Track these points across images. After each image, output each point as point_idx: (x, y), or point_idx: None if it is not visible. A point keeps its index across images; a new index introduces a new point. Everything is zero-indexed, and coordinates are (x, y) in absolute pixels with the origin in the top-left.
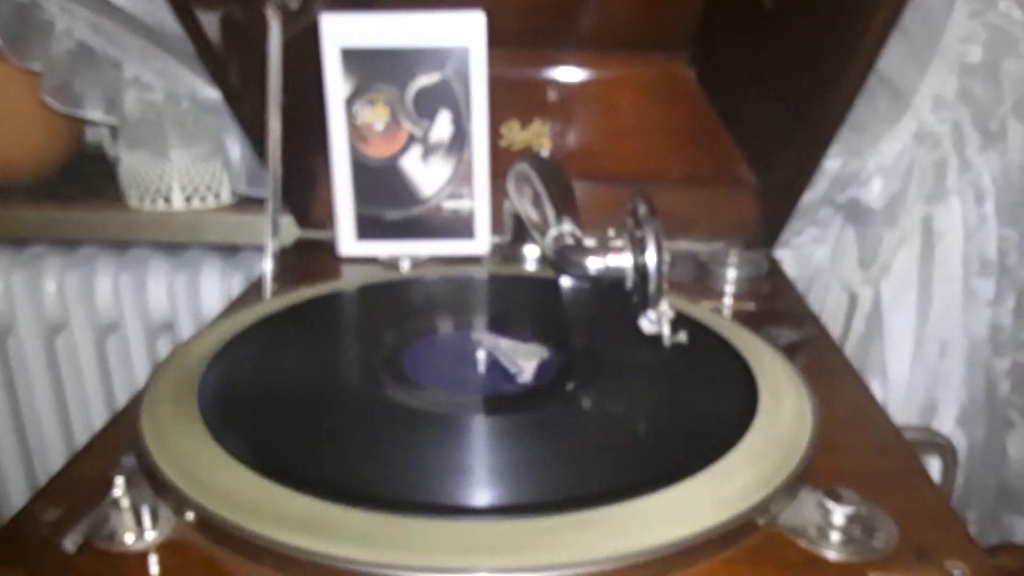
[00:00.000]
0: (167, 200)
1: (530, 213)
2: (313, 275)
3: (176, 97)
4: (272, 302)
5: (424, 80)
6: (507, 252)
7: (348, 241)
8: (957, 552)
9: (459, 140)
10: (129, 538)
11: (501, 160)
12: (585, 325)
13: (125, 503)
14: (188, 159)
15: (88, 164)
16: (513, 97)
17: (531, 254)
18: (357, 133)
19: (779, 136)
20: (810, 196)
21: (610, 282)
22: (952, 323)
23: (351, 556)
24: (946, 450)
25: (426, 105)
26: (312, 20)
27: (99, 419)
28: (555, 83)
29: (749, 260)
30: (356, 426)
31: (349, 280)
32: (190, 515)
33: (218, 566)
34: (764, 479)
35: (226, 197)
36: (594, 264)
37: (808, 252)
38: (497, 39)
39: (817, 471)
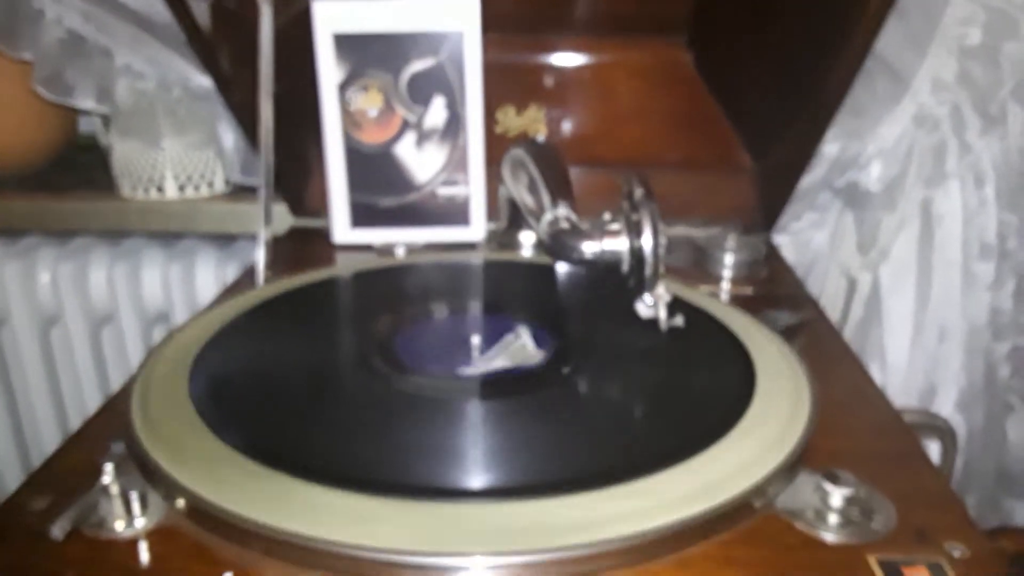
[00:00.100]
0: (160, 189)
1: (525, 199)
2: (308, 263)
3: (168, 85)
4: (265, 289)
5: (418, 65)
6: (503, 239)
7: (342, 229)
8: (957, 534)
9: (454, 126)
10: (118, 525)
11: (497, 146)
12: (582, 310)
13: (114, 490)
14: (181, 147)
15: (81, 154)
16: (509, 82)
17: (527, 240)
18: (351, 120)
19: (777, 120)
20: (809, 180)
21: (606, 266)
22: (952, 307)
23: (342, 540)
24: (945, 433)
25: (420, 90)
26: (304, 5)
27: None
28: (551, 68)
29: (747, 244)
30: (347, 411)
31: (343, 267)
32: (180, 502)
33: (208, 552)
34: (761, 462)
35: (220, 186)
36: (589, 248)
37: (807, 237)
38: (492, 23)
39: (815, 454)
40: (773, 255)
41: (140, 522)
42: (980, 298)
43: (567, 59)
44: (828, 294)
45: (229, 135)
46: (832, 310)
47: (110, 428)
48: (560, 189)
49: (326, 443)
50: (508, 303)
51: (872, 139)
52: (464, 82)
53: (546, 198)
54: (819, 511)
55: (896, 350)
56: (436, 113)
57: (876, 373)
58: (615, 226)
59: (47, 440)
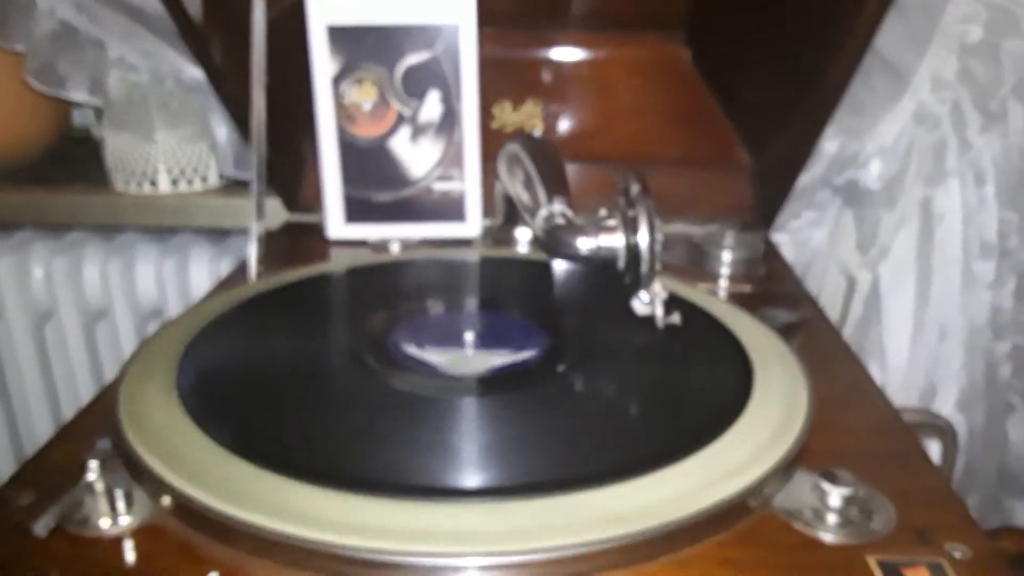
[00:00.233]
0: (153, 183)
1: (521, 195)
2: (301, 258)
3: (160, 77)
4: (256, 284)
5: (413, 58)
6: (499, 235)
7: (336, 224)
8: (957, 534)
9: (449, 120)
10: (103, 523)
11: (493, 141)
12: (578, 307)
13: (99, 487)
14: (174, 141)
15: (75, 148)
16: (505, 77)
17: (523, 236)
18: (345, 113)
19: (775, 117)
20: (808, 178)
21: (602, 262)
22: (952, 306)
23: (330, 540)
24: (945, 432)
25: (415, 84)
26: None
27: None
28: (548, 63)
29: (745, 242)
30: (338, 409)
31: (336, 262)
32: (166, 500)
33: (194, 551)
34: (757, 461)
35: (213, 180)
36: (585, 244)
37: (806, 235)
38: (489, 18)
39: (813, 453)
40: (772, 253)
41: (125, 520)
42: (980, 297)
43: (564, 54)
44: (827, 293)
45: (222, 128)
46: (831, 309)
47: (98, 423)
48: (556, 185)
49: (316, 441)
50: (504, 299)
51: (872, 137)
52: (460, 76)
53: (542, 194)
54: (817, 511)
55: (896, 349)
56: (431, 107)
57: (876, 372)
58: (611, 222)
59: (41, 436)
